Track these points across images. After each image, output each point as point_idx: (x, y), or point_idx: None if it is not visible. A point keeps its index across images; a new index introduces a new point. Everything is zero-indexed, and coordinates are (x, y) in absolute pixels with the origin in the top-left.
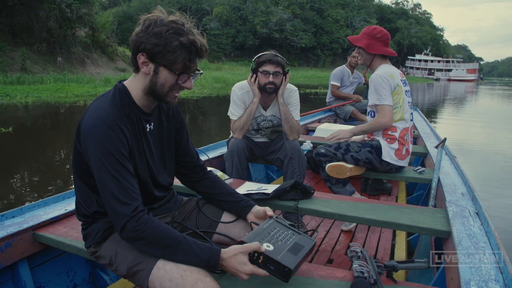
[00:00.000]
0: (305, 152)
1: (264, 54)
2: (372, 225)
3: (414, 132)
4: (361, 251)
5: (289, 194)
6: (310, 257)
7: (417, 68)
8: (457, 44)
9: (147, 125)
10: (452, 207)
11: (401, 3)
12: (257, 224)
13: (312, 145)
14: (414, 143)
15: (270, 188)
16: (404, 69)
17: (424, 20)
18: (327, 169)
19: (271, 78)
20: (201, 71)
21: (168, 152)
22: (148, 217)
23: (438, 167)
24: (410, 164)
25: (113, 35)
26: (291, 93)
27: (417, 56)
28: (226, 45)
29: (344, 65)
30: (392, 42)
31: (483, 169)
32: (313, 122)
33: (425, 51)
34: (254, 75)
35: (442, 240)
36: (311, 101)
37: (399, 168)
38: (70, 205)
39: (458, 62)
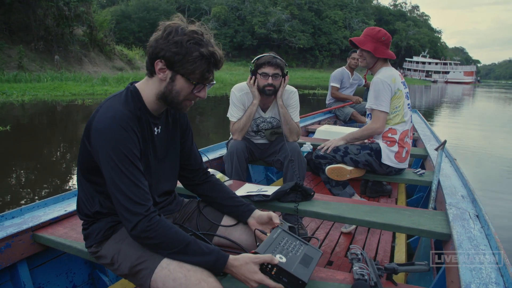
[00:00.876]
0: (305, 154)
1: (263, 56)
2: (372, 227)
3: (414, 134)
4: (361, 253)
5: (289, 196)
6: None
7: (415, 70)
8: (455, 47)
9: (155, 128)
10: (452, 209)
11: (399, 5)
12: (262, 231)
13: (312, 147)
14: (414, 145)
15: (270, 190)
16: (401, 71)
17: (422, 22)
18: (327, 171)
19: (270, 80)
20: (215, 82)
21: (173, 155)
22: (160, 218)
23: (438, 169)
24: (410, 166)
25: (111, 34)
26: (290, 94)
27: (415, 58)
28: (224, 45)
29: (343, 66)
30: None
31: (480, 171)
32: (313, 123)
33: (422, 53)
34: (253, 77)
35: (442, 242)
36: (309, 102)
37: (399, 170)
38: (69, 206)
39: (456, 64)
